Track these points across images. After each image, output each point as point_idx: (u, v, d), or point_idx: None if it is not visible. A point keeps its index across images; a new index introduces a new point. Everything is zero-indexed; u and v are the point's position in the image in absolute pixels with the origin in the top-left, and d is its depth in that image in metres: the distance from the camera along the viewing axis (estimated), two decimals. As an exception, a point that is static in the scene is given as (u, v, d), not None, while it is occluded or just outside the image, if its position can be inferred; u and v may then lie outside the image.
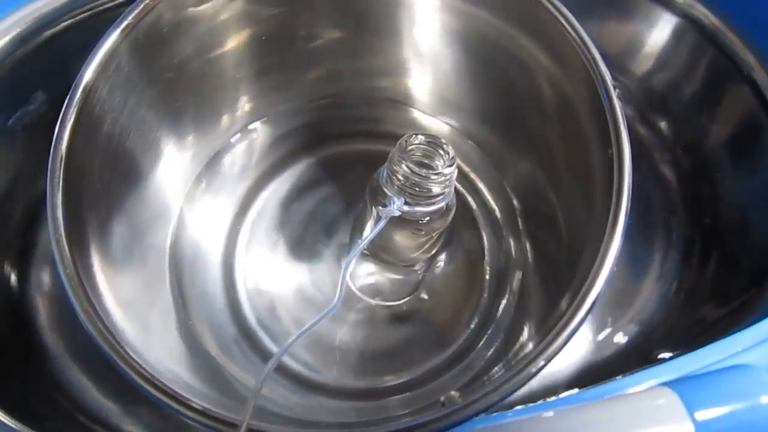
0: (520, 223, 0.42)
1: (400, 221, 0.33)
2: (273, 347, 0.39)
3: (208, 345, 0.38)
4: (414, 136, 0.32)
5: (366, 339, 0.40)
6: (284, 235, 0.43)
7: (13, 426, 0.30)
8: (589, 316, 0.40)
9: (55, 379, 0.39)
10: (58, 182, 0.28)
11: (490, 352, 0.39)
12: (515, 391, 0.23)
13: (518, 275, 0.41)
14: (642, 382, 0.25)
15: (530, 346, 0.35)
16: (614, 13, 0.44)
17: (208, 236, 0.42)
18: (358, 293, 0.41)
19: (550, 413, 0.24)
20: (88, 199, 0.30)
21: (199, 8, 0.34)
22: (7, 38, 0.36)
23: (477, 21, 0.36)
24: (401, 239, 0.36)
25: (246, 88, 0.42)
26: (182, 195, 0.41)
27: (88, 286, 0.27)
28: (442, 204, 0.33)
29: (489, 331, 0.40)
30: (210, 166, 0.43)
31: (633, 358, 0.39)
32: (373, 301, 0.41)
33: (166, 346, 0.35)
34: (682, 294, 0.41)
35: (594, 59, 0.30)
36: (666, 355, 0.38)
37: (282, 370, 0.39)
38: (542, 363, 0.24)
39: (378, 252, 0.38)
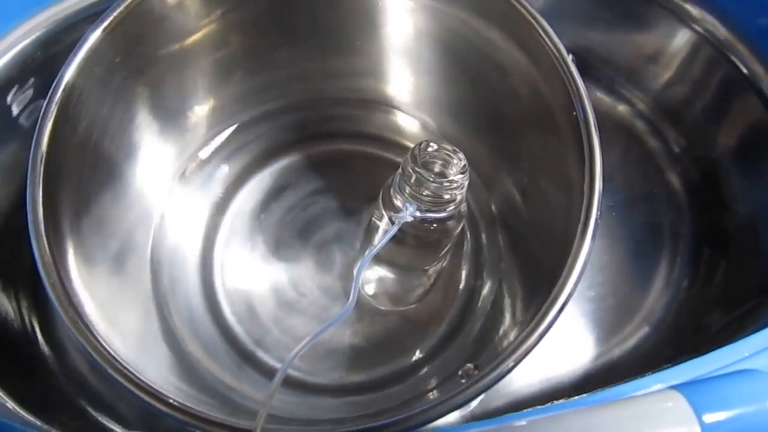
0: (497, 226, 0.43)
1: (412, 227, 0.34)
2: (252, 346, 0.40)
3: (189, 346, 0.39)
4: (427, 143, 0.33)
5: (353, 336, 0.41)
6: (262, 235, 0.43)
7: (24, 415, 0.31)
8: (596, 321, 0.41)
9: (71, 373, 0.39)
10: (39, 182, 0.28)
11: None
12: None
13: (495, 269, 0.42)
14: (650, 386, 0.26)
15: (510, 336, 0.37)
16: (634, 27, 0.45)
17: (186, 236, 0.43)
18: (372, 301, 0.41)
19: (560, 415, 0.25)
20: (67, 200, 0.31)
21: (180, 9, 0.35)
22: (28, 40, 0.37)
23: (453, 21, 0.37)
24: (413, 244, 0.37)
25: (225, 88, 0.42)
26: (162, 195, 0.42)
27: (71, 290, 0.28)
28: (454, 210, 0.34)
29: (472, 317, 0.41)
30: (189, 166, 0.44)
31: (640, 363, 0.40)
32: (383, 307, 0.41)
33: (148, 347, 0.36)
34: (689, 301, 0.42)
35: (566, 64, 0.31)
36: (673, 360, 0.38)
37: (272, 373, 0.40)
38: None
39: (390, 257, 0.38)
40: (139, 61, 0.35)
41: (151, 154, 0.39)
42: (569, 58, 0.32)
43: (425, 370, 0.40)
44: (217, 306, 0.41)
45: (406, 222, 0.33)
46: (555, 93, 0.32)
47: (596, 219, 0.28)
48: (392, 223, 0.33)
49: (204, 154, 0.44)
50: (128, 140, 0.37)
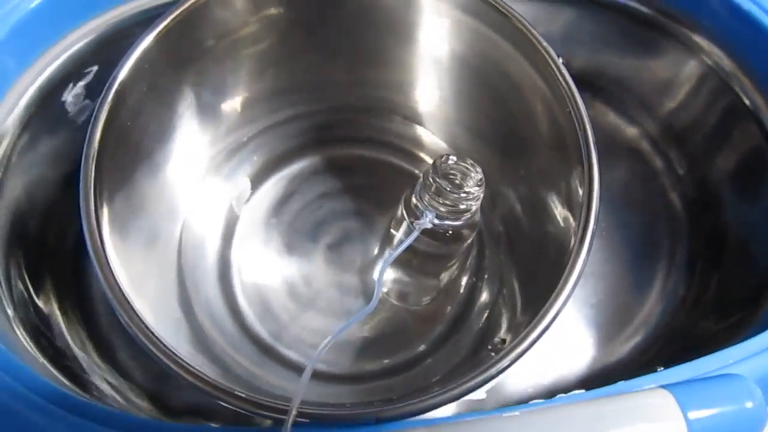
0: (501, 237, 0.45)
1: (429, 233, 0.36)
2: (270, 339, 0.43)
3: (206, 329, 0.41)
4: (447, 156, 0.36)
5: (365, 329, 0.43)
6: (278, 231, 0.46)
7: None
8: (596, 326, 0.43)
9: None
10: (91, 175, 0.30)
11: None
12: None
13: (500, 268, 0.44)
14: (642, 385, 0.28)
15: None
16: (647, 54, 0.47)
17: (208, 230, 0.45)
18: (391, 299, 0.44)
19: (554, 407, 0.27)
20: (112, 190, 0.33)
21: (228, 8, 0.37)
22: (84, 42, 0.40)
23: (483, 42, 0.39)
24: (428, 250, 0.39)
25: (255, 88, 0.44)
26: (191, 189, 0.44)
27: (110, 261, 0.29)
28: (468, 220, 0.37)
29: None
30: (217, 162, 0.46)
31: (636, 366, 0.42)
32: (399, 304, 0.44)
33: (170, 328, 0.38)
34: (683, 311, 0.44)
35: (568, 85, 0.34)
36: (665, 366, 0.41)
37: (286, 362, 0.42)
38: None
39: (405, 260, 0.41)
40: (184, 60, 0.37)
41: (184, 149, 0.41)
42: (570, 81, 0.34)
43: (430, 360, 0.43)
44: (234, 301, 0.44)
45: (424, 228, 0.36)
46: (565, 115, 0.34)
47: (593, 231, 0.31)
48: (412, 228, 0.36)
49: (231, 150, 0.47)
50: (166, 136, 0.39)
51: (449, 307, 0.44)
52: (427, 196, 0.35)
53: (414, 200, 0.37)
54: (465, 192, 0.35)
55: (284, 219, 0.46)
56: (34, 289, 0.39)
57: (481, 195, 0.35)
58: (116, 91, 0.32)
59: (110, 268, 0.29)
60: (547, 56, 0.35)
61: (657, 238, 0.47)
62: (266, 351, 0.42)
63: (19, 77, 0.38)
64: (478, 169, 0.35)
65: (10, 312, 0.34)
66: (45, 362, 0.33)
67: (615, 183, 0.49)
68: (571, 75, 0.34)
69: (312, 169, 0.48)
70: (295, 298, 0.44)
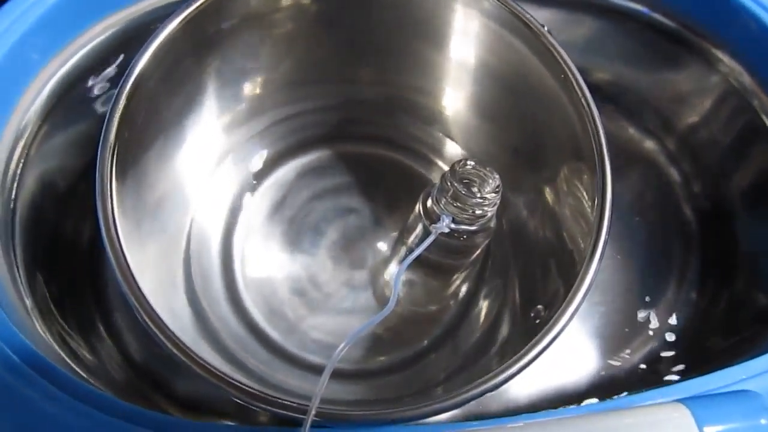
0: (507, 242, 0.45)
1: (445, 236, 0.36)
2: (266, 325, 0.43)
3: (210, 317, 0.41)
4: (466, 161, 0.36)
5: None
6: (282, 224, 0.46)
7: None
8: (604, 335, 0.44)
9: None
10: (108, 164, 0.30)
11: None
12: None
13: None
14: (657, 398, 0.29)
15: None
16: (670, 68, 0.48)
17: (213, 220, 0.45)
18: (402, 300, 0.44)
19: (566, 419, 0.27)
20: (126, 176, 0.32)
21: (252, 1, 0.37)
22: (108, 34, 0.40)
23: (510, 51, 0.38)
24: (442, 253, 0.39)
25: (274, 77, 0.44)
26: (202, 178, 0.44)
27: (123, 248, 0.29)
28: (484, 225, 0.37)
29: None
30: (229, 150, 0.46)
31: (645, 378, 0.43)
32: (409, 306, 0.44)
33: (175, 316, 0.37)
34: (692, 325, 0.44)
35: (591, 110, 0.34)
36: (675, 377, 0.41)
37: (294, 360, 0.42)
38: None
39: (419, 262, 0.41)
40: (203, 49, 0.37)
41: (197, 139, 0.41)
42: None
43: (433, 355, 0.43)
44: (237, 295, 0.43)
45: (443, 232, 0.36)
46: (581, 124, 0.35)
47: (605, 241, 0.31)
48: (429, 232, 0.36)
49: (246, 141, 0.46)
50: (181, 126, 0.39)
51: (454, 307, 0.44)
52: (444, 200, 0.35)
53: (430, 203, 0.37)
54: (482, 197, 0.35)
55: (292, 213, 0.46)
56: (51, 279, 0.38)
57: (498, 201, 0.36)
58: (135, 80, 0.32)
59: (126, 259, 0.28)
60: (564, 66, 0.35)
61: (669, 251, 0.47)
62: (275, 350, 0.42)
63: (42, 68, 0.38)
64: (496, 176, 0.35)
65: (28, 302, 0.34)
66: (61, 353, 0.33)
67: (629, 194, 0.49)
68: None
69: (324, 164, 0.48)
70: (302, 295, 0.44)
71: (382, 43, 0.43)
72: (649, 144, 0.51)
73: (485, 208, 0.35)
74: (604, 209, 0.32)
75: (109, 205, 0.30)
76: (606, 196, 0.32)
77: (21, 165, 0.37)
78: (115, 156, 0.31)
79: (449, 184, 0.35)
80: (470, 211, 0.35)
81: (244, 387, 0.26)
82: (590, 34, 0.48)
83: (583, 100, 0.34)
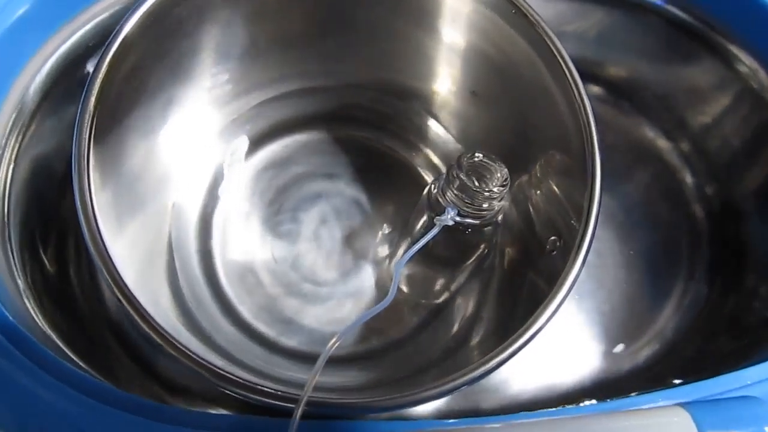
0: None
1: (450, 229, 0.36)
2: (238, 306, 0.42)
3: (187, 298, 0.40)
4: (473, 153, 0.35)
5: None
6: (264, 208, 0.45)
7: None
8: (608, 334, 0.43)
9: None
10: (86, 132, 0.30)
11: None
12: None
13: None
14: (658, 401, 0.28)
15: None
16: (685, 65, 0.47)
17: (192, 197, 0.44)
18: (403, 290, 0.43)
19: (567, 419, 0.27)
20: (106, 151, 0.32)
21: None
22: (107, 14, 0.39)
23: (501, 37, 0.38)
24: (446, 246, 0.39)
25: (265, 55, 0.43)
26: (187, 155, 0.43)
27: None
28: (490, 219, 0.36)
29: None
30: (217, 127, 0.45)
31: (646, 379, 0.42)
32: (413, 298, 0.44)
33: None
34: (698, 326, 0.44)
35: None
36: (676, 380, 0.41)
37: (278, 349, 0.41)
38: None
39: (422, 254, 0.41)
40: (192, 21, 0.36)
41: (183, 115, 0.40)
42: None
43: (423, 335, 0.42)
44: (215, 275, 0.43)
45: (447, 225, 0.35)
46: (573, 116, 0.34)
47: (591, 235, 0.31)
48: (433, 224, 0.36)
49: (232, 119, 0.45)
50: (165, 98, 0.38)
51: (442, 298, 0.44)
52: (450, 191, 0.35)
53: (435, 194, 0.36)
54: (488, 191, 0.34)
55: (275, 196, 0.45)
56: (45, 261, 0.38)
57: (505, 195, 0.35)
58: (118, 48, 0.31)
59: (99, 230, 0.28)
60: (558, 56, 0.34)
61: (677, 251, 0.47)
62: (262, 342, 0.42)
63: (41, 47, 0.37)
64: (504, 169, 0.35)
65: (21, 283, 0.34)
66: (53, 336, 0.33)
67: (638, 192, 0.49)
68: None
69: (309, 147, 0.47)
70: (282, 280, 0.43)
71: (373, 27, 0.42)
72: (662, 142, 0.50)
73: (492, 202, 0.35)
74: (593, 203, 0.32)
75: (86, 175, 0.29)
76: (595, 188, 0.32)
77: (18, 145, 0.37)
78: (94, 123, 0.30)
79: (455, 175, 0.34)
80: (476, 205, 0.35)
81: (234, 378, 0.26)
82: (603, 27, 0.47)
83: (574, 88, 0.33)
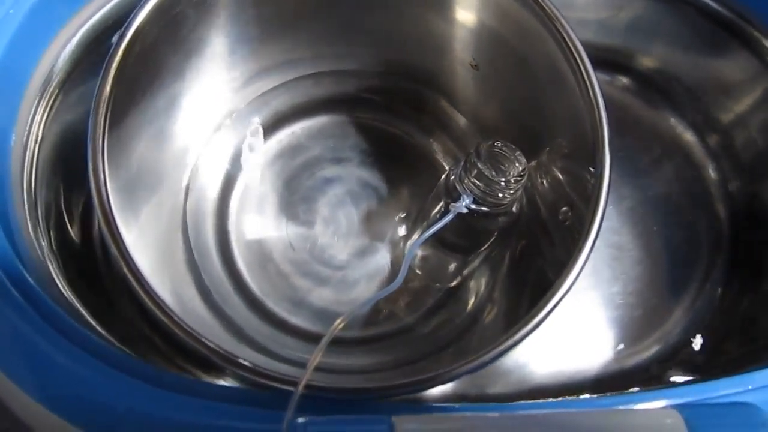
0: None
1: (465, 216, 0.36)
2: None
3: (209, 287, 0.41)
4: (493, 142, 0.35)
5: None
6: (280, 189, 0.45)
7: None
8: (620, 328, 0.43)
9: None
10: (101, 121, 0.31)
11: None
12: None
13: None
14: (654, 400, 0.28)
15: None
16: (717, 58, 0.46)
17: (215, 180, 0.45)
18: (418, 271, 0.44)
19: (558, 413, 0.28)
20: (119, 139, 0.33)
21: None
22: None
23: (514, 20, 0.37)
24: (461, 232, 0.39)
25: (278, 40, 0.43)
26: (198, 142, 0.44)
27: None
28: (506, 208, 0.37)
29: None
30: (236, 109, 0.45)
31: (649, 377, 0.42)
32: (426, 282, 0.44)
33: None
34: (709, 328, 0.44)
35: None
36: (680, 378, 0.41)
37: (288, 328, 0.42)
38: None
39: (437, 238, 0.41)
40: (206, 5, 0.37)
41: (197, 97, 0.41)
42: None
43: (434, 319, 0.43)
44: (231, 256, 0.43)
45: (461, 212, 0.36)
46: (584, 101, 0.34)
47: (600, 221, 0.31)
48: (448, 211, 0.36)
49: (247, 102, 0.46)
50: (179, 83, 0.39)
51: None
52: (467, 179, 0.35)
53: (453, 180, 0.37)
54: (505, 180, 0.34)
55: (291, 179, 0.46)
56: (72, 228, 0.40)
57: (521, 187, 0.35)
58: (135, 30, 0.32)
59: (113, 215, 0.29)
60: (569, 40, 0.34)
61: (696, 249, 0.46)
62: (269, 317, 0.43)
63: (70, 19, 0.38)
64: (522, 160, 0.35)
65: (44, 244, 0.35)
66: (75, 303, 0.34)
67: (661, 187, 0.48)
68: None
69: (323, 131, 0.47)
70: (297, 263, 0.44)
71: (384, 8, 0.42)
72: (690, 137, 0.49)
73: (508, 191, 0.35)
74: (601, 189, 0.32)
75: (101, 161, 0.30)
76: (604, 174, 0.32)
77: (47, 114, 0.38)
78: (109, 109, 0.31)
79: (473, 162, 0.35)
80: (493, 194, 0.35)
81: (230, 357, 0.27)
82: (633, 16, 0.46)
83: (583, 71, 0.33)
